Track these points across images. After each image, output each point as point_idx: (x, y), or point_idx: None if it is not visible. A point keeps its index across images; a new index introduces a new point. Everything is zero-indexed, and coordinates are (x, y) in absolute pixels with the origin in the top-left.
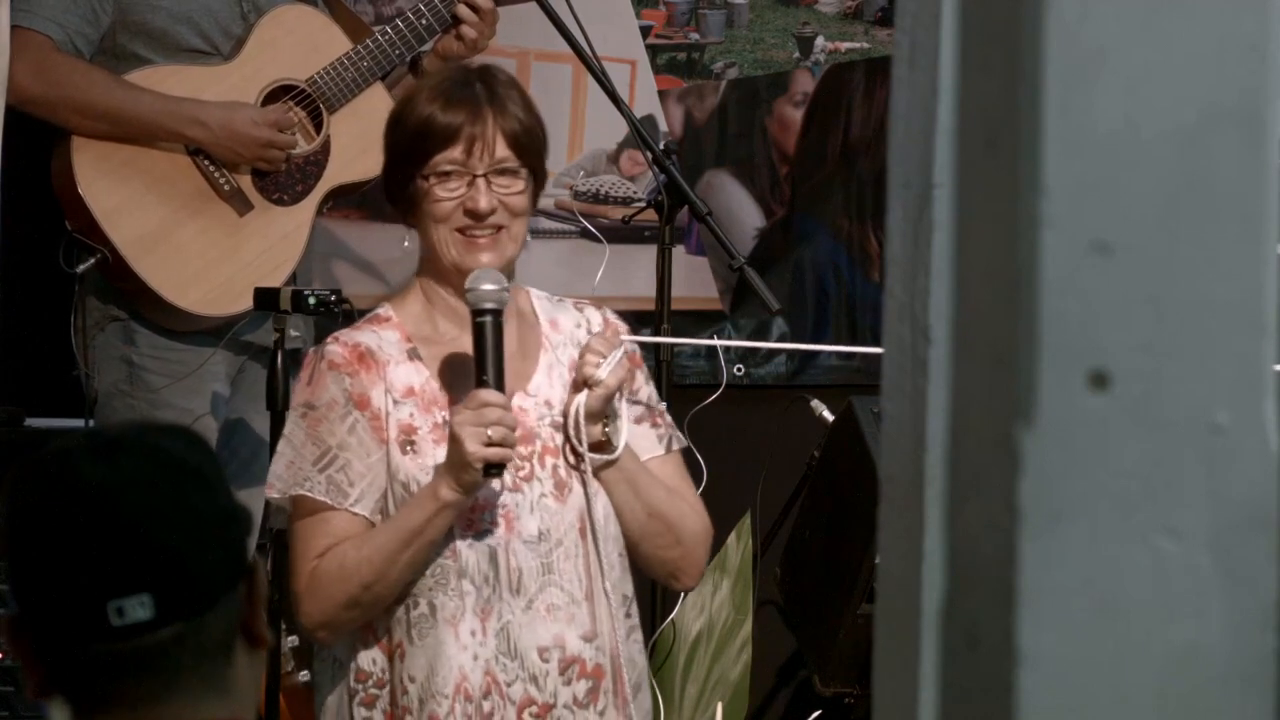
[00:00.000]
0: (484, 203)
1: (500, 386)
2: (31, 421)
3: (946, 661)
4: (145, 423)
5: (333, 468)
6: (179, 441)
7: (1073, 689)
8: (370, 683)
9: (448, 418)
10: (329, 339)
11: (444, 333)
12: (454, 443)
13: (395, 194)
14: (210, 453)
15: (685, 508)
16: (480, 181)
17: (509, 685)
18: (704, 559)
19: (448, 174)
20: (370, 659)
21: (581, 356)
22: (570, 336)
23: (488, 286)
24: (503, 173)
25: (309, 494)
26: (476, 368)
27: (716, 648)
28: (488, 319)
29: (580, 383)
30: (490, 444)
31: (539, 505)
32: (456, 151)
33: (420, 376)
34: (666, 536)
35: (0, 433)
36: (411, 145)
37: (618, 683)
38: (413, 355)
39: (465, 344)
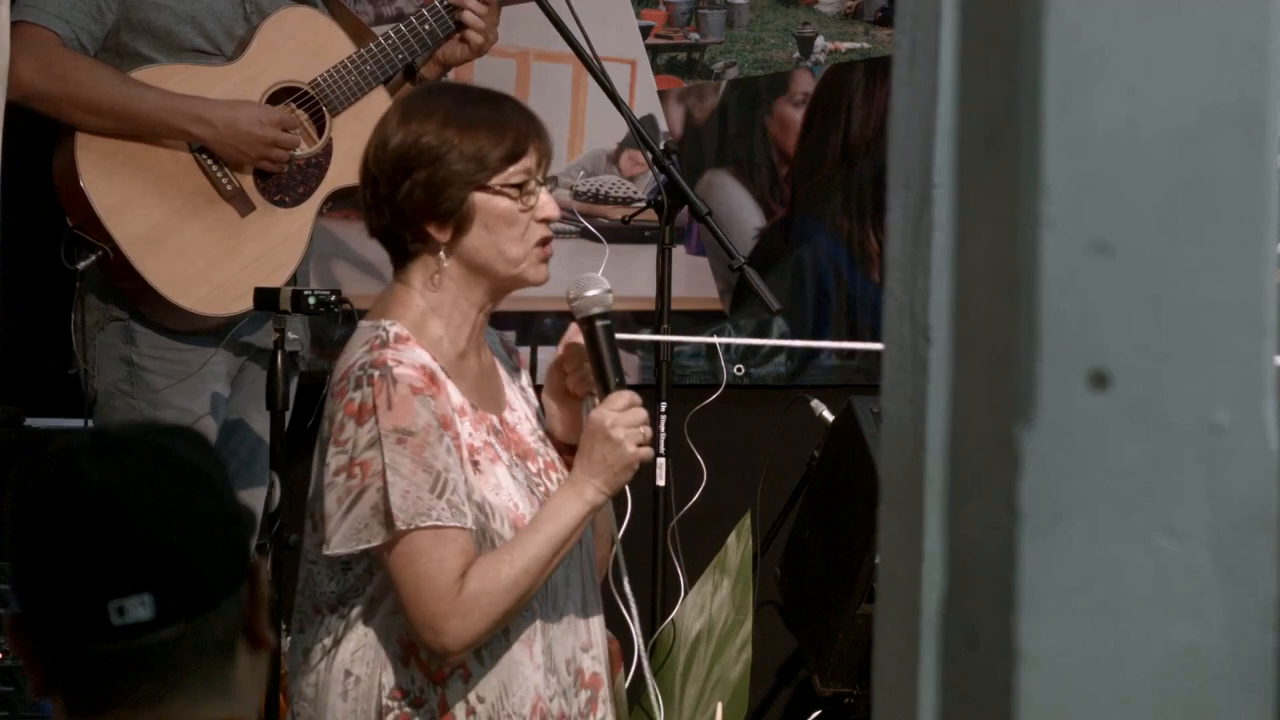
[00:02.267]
0: (555, 209)
1: (625, 385)
2: (31, 421)
3: (946, 661)
4: (149, 423)
5: (448, 491)
6: (183, 442)
7: (1073, 689)
8: (406, 701)
9: (489, 439)
10: (388, 360)
11: (454, 348)
12: (612, 445)
13: (435, 212)
14: (214, 453)
15: (610, 507)
16: (543, 190)
17: (551, 700)
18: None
19: (521, 185)
20: (409, 677)
21: (574, 370)
22: (496, 353)
23: (593, 292)
24: (545, 183)
25: (438, 522)
26: (600, 372)
27: (716, 648)
28: (602, 324)
29: (582, 394)
30: (641, 443)
31: None
32: (530, 160)
33: (458, 394)
34: (605, 534)
35: (0, 433)
36: (476, 157)
37: (610, 689)
38: (447, 374)
39: (476, 364)
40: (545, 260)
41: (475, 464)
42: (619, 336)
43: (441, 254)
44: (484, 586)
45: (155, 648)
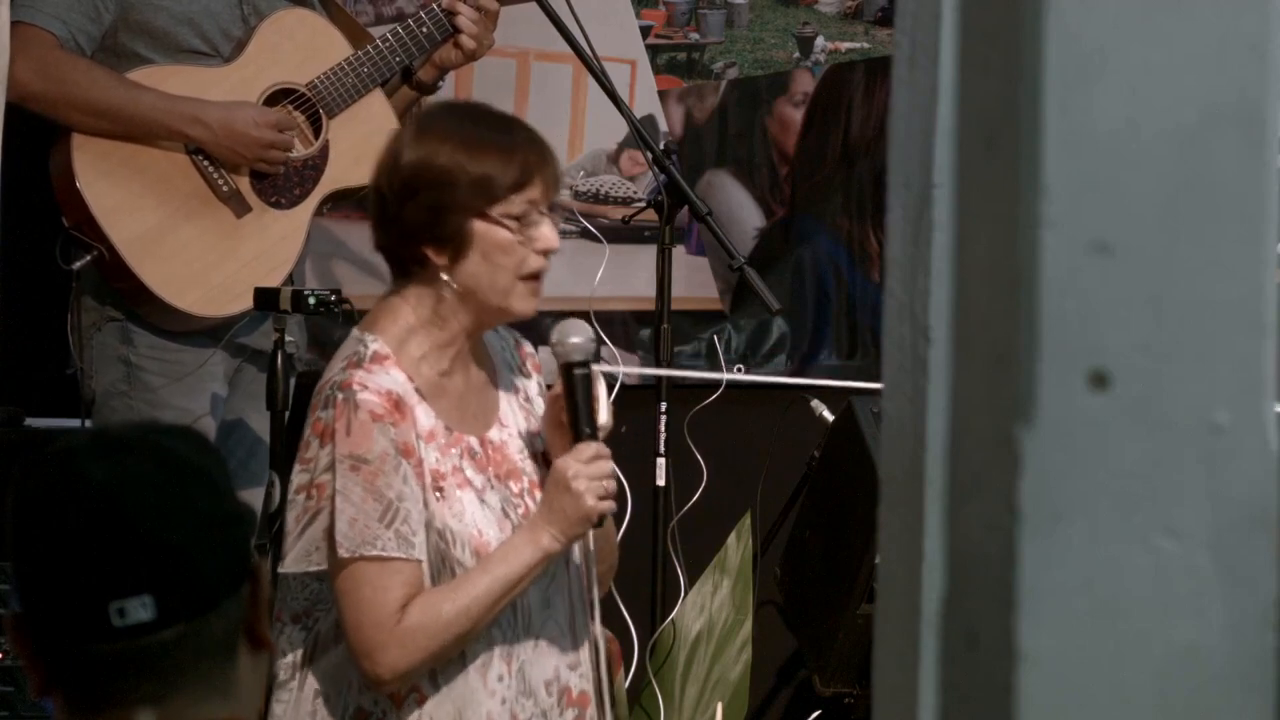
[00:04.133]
0: (556, 241)
1: (597, 437)
2: (31, 421)
3: (946, 661)
4: (149, 423)
5: (398, 521)
6: (184, 442)
7: (1073, 689)
8: None
9: (459, 463)
10: (354, 384)
11: (436, 367)
12: (571, 497)
13: (434, 235)
14: (215, 454)
15: (612, 524)
16: (547, 221)
17: None
18: (614, 572)
19: (523, 216)
20: (373, 700)
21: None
22: (502, 359)
23: (577, 339)
24: (548, 212)
25: (382, 553)
26: (574, 419)
27: (716, 648)
28: (580, 372)
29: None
30: (603, 496)
31: None
32: (535, 190)
33: (429, 418)
34: (604, 550)
35: (0, 433)
36: (481, 184)
37: (600, 709)
38: (420, 396)
39: (461, 383)
40: (535, 294)
41: (440, 490)
42: (629, 370)
43: (442, 277)
44: (423, 620)
45: (155, 648)
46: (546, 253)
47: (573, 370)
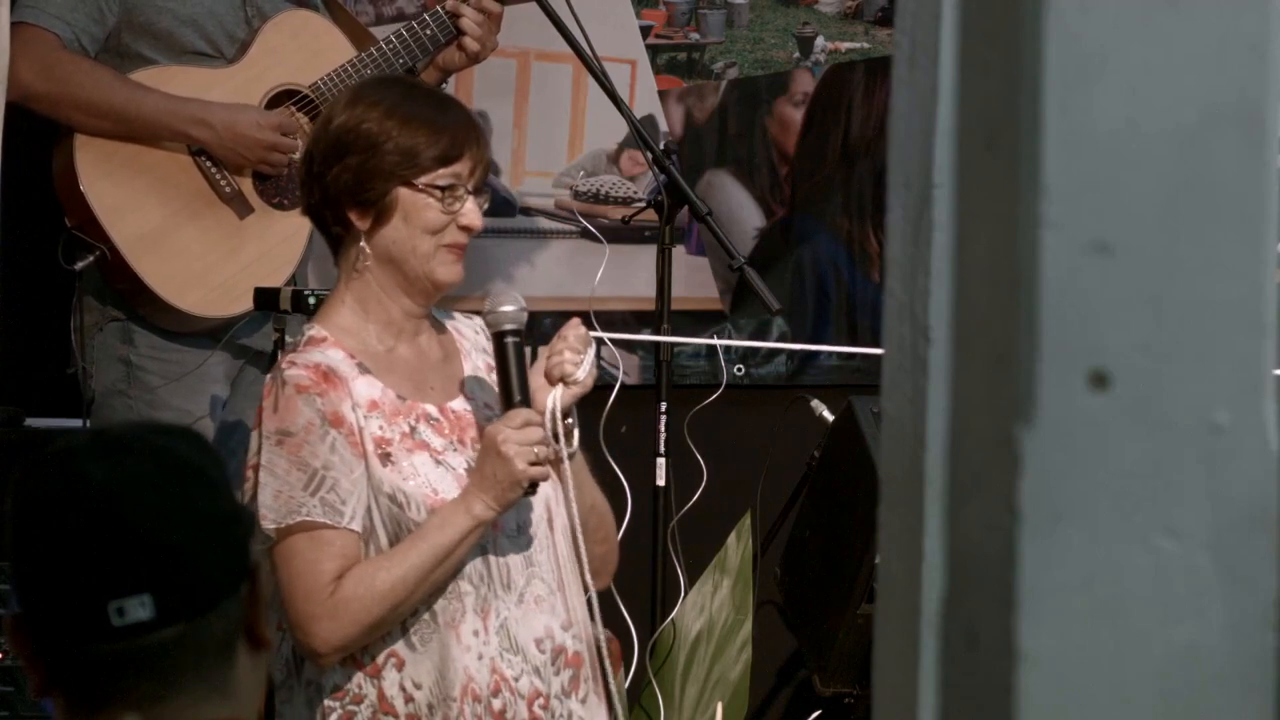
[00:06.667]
0: (479, 220)
1: (529, 404)
2: (31, 421)
3: (946, 661)
4: (150, 423)
5: (324, 489)
6: (183, 442)
7: (1073, 689)
8: (348, 699)
9: (414, 426)
10: (283, 364)
11: (382, 343)
12: (501, 461)
13: (359, 199)
14: (214, 454)
15: (608, 505)
16: (471, 198)
17: (517, 680)
18: (617, 557)
19: (448, 188)
20: (346, 674)
21: (556, 354)
22: (474, 342)
23: (508, 308)
24: (477, 192)
25: (308, 518)
26: (505, 388)
27: (716, 648)
28: (512, 340)
29: (555, 379)
30: (534, 462)
31: None
32: (462, 166)
33: (375, 390)
34: (600, 531)
35: (0, 433)
36: (409, 153)
37: (594, 669)
38: (363, 370)
39: (407, 353)
40: (457, 262)
41: (387, 455)
42: (620, 336)
43: (361, 243)
44: (357, 591)
45: (155, 648)
46: (468, 229)
47: (504, 339)
